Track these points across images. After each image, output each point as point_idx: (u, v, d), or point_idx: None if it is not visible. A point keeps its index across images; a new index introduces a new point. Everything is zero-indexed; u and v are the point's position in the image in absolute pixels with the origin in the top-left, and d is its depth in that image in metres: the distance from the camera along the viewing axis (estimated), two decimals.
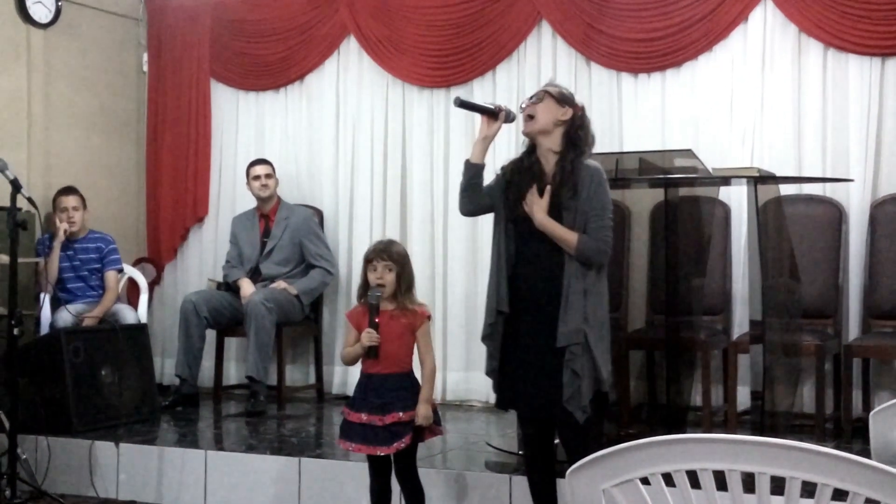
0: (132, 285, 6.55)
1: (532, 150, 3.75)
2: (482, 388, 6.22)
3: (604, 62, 5.96)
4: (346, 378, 6.52)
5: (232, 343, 6.65)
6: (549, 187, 3.62)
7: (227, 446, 5.19)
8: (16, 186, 4.57)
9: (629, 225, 5.49)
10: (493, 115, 3.78)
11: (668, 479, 1.74)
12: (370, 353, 3.74)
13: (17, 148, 6.22)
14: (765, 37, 5.62)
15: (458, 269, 6.31)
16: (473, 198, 3.81)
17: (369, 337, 3.72)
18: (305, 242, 6.35)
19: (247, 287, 6.15)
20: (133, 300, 6.45)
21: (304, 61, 6.75)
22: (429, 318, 3.87)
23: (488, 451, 4.84)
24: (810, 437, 4.78)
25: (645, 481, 1.76)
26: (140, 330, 5.89)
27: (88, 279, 6.17)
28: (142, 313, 6.26)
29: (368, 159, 6.56)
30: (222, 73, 7.00)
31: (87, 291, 6.15)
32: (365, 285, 3.82)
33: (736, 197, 5.48)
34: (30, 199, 4.68)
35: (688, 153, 4.73)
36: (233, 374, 6.74)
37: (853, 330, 5.35)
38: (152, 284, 6.91)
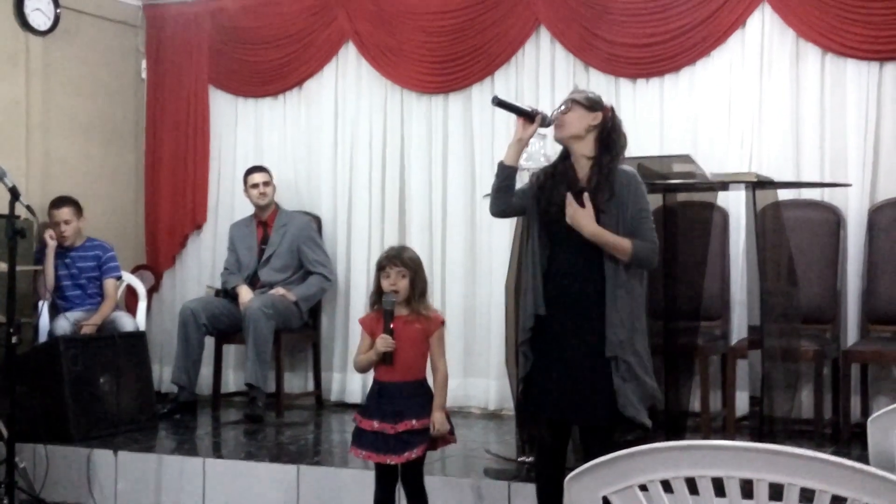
0: (130, 293, 6.54)
1: (566, 156, 3.73)
2: (481, 395, 6.22)
3: (602, 67, 5.97)
4: (344, 385, 6.52)
5: (230, 350, 6.64)
6: (586, 194, 3.58)
7: (226, 454, 5.19)
8: (14, 194, 4.57)
9: None
10: (529, 117, 3.73)
11: (667, 486, 1.74)
12: (385, 360, 3.73)
13: (15, 155, 6.22)
14: (763, 42, 5.63)
15: (456, 276, 6.31)
16: (505, 199, 3.77)
17: (384, 343, 3.71)
18: (304, 249, 6.35)
19: (245, 293, 6.15)
20: (131, 308, 6.44)
21: (302, 68, 6.75)
22: (443, 323, 3.85)
23: (487, 458, 4.83)
24: (809, 443, 4.78)
25: (643, 488, 1.76)
26: (138, 337, 5.89)
27: (87, 287, 6.17)
28: (140, 321, 6.26)
29: (367, 165, 6.56)
30: (221, 79, 7.00)
31: (86, 300, 6.14)
32: (378, 292, 3.80)
33: (734, 202, 5.49)
34: (28, 207, 4.68)
35: (686, 158, 4.72)
36: (231, 381, 6.73)
37: (851, 335, 5.35)
38: (151, 292, 6.90)
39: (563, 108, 3.70)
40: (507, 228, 5.44)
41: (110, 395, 5.51)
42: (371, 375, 3.88)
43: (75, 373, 5.35)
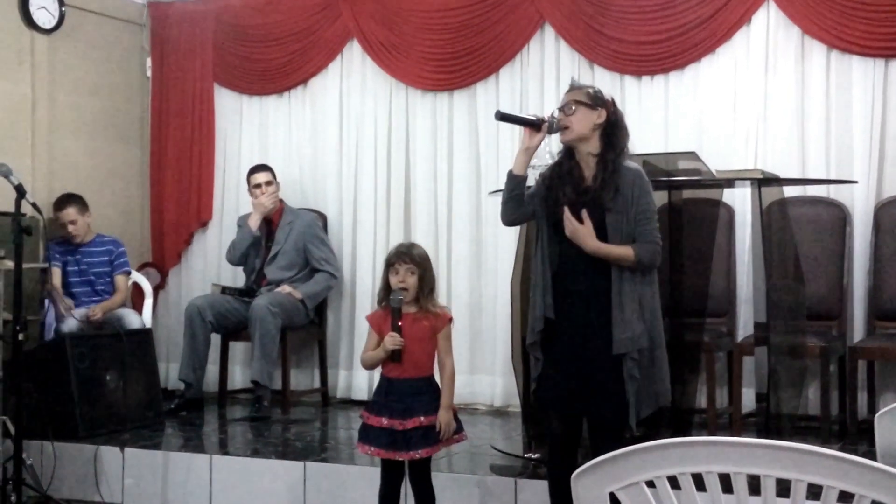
0: (137, 290, 6.55)
1: (571, 154, 3.71)
2: (487, 391, 6.23)
3: (607, 65, 5.96)
4: (350, 382, 6.52)
5: (236, 347, 6.66)
6: (585, 211, 3.57)
7: (232, 451, 5.20)
8: (20, 192, 4.58)
9: None
10: (535, 126, 3.69)
11: (674, 482, 1.74)
12: (394, 357, 3.73)
13: (21, 153, 6.23)
14: (768, 39, 5.62)
15: (462, 273, 6.31)
16: (516, 208, 3.75)
17: (393, 341, 3.71)
18: (309, 247, 6.36)
19: (254, 216, 6.23)
20: (138, 305, 6.46)
21: (307, 65, 6.75)
22: (451, 320, 3.85)
23: (493, 455, 4.83)
24: (815, 439, 4.78)
25: (650, 484, 1.76)
26: (145, 335, 5.90)
27: (94, 284, 6.20)
28: (146, 318, 6.27)
29: (372, 163, 6.56)
30: (226, 77, 7.01)
31: (93, 296, 6.17)
32: (386, 289, 3.80)
33: (740, 199, 5.48)
34: (34, 205, 4.69)
35: (691, 155, 4.72)
36: (237, 378, 6.74)
37: (858, 331, 5.35)
38: (157, 289, 6.92)
39: (564, 109, 3.67)
40: (513, 226, 5.43)
41: (117, 392, 5.52)
42: (378, 372, 3.88)
43: (82, 370, 5.36)
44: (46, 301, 5.98)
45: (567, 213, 3.58)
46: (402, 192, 6.51)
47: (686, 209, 5.02)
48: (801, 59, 5.56)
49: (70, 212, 6.12)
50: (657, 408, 3.65)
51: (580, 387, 3.59)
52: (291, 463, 4.69)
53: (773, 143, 5.58)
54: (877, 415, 2.46)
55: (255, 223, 6.27)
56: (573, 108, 3.64)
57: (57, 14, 6.55)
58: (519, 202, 3.74)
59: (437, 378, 3.86)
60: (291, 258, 6.35)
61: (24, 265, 4.59)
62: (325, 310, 6.58)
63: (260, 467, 4.74)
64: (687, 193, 4.99)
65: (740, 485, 1.70)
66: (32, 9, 6.39)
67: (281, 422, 5.86)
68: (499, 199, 5.83)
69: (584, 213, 3.58)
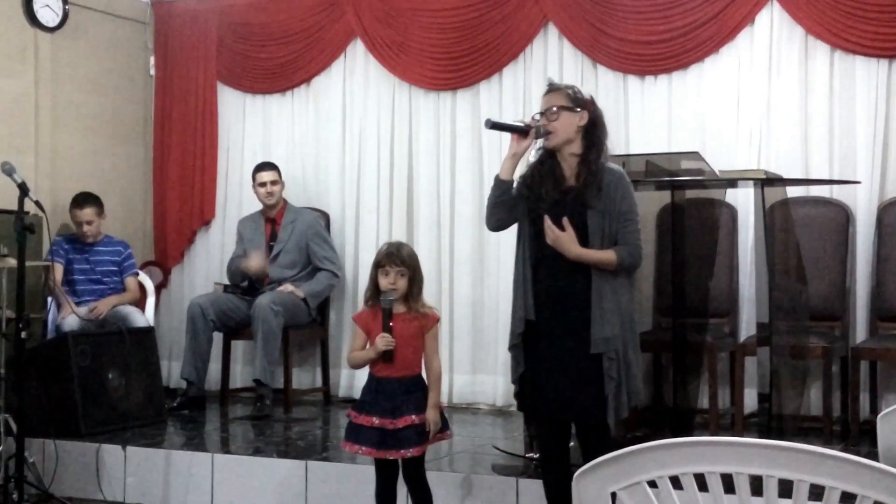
0: (139, 288, 6.55)
1: (551, 153, 3.71)
2: (489, 391, 6.23)
3: (610, 64, 5.96)
4: (352, 381, 6.52)
5: (238, 346, 6.66)
6: (566, 218, 3.58)
7: (234, 449, 5.20)
8: (23, 190, 4.58)
9: None
10: (523, 133, 3.70)
11: (676, 482, 1.74)
12: (385, 358, 3.73)
13: (24, 151, 6.24)
14: (771, 39, 5.61)
15: (464, 272, 6.31)
16: (502, 213, 3.75)
17: (385, 341, 3.71)
18: (312, 246, 6.36)
19: (255, 258, 6.17)
20: (140, 303, 6.46)
21: (310, 64, 6.75)
22: (438, 320, 3.86)
23: (495, 454, 4.83)
24: (818, 440, 4.78)
25: (652, 484, 1.76)
26: (147, 333, 5.90)
27: (100, 283, 6.21)
28: (149, 316, 6.28)
29: (375, 162, 6.56)
30: (229, 76, 7.01)
31: (98, 296, 6.17)
32: (374, 289, 3.80)
33: (743, 199, 5.48)
34: (37, 203, 4.69)
35: (694, 155, 4.72)
36: (239, 377, 6.74)
37: (860, 332, 5.34)
38: (159, 288, 6.92)
39: (546, 114, 3.66)
40: (515, 225, 5.43)
41: (119, 391, 5.53)
42: (365, 371, 3.88)
43: (84, 368, 5.37)
44: (49, 299, 5.99)
45: (547, 221, 3.60)
46: (405, 191, 6.51)
47: (689, 209, 5.02)
48: (805, 59, 5.55)
49: (88, 212, 6.13)
50: (632, 408, 3.67)
51: (561, 387, 3.62)
52: (293, 462, 4.69)
53: (776, 143, 5.57)
54: (879, 415, 2.46)
55: (250, 267, 6.24)
56: (556, 112, 3.65)
57: (60, 12, 6.56)
58: (506, 207, 3.74)
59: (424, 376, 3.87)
60: (294, 257, 6.35)
61: (27, 263, 4.60)
62: (327, 309, 6.58)
63: (262, 466, 4.74)
64: (690, 193, 4.99)
65: (742, 485, 1.69)
66: (36, 7, 6.40)
67: (283, 421, 5.86)
68: None
69: (566, 221, 3.59)
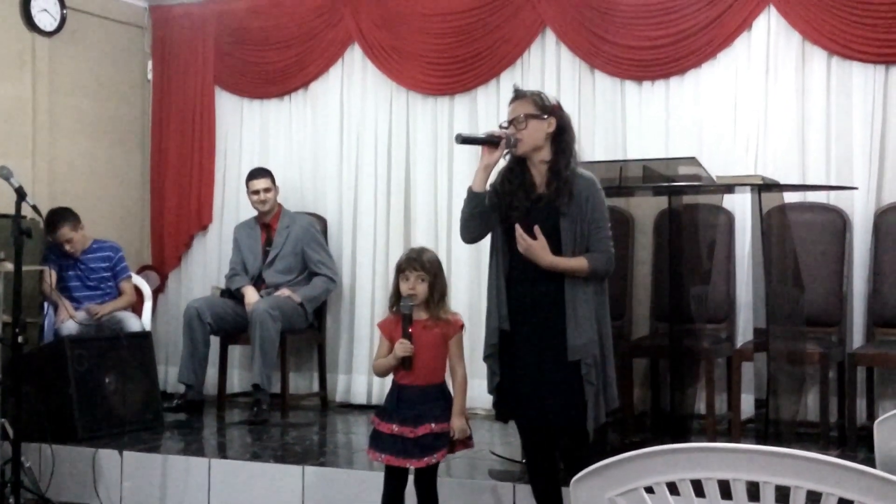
0: (136, 293, 6.55)
1: (520, 160, 3.71)
2: (485, 397, 6.13)
3: (607, 70, 5.96)
4: (349, 386, 6.52)
5: (235, 351, 6.65)
6: (537, 226, 3.59)
7: (231, 454, 5.19)
8: (20, 194, 4.58)
9: (633, 233, 5.49)
10: (494, 144, 3.67)
11: (673, 488, 1.74)
12: (404, 364, 3.71)
13: (21, 156, 6.24)
14: (768, 44, 5.62)
15: (461, 277, 6.30)
16: (477, 225, 3.74)
17: (403, 348, 3.69)
18: (307, 251, 6.36)
19: (251, 295, 6.16)
20: (137, 308, 6.45)
21: (308, 69, 6.76)
22: (462, 327, 3.83)
23: (492, 460, 4.83)
24: (814, 446, 4.78)
25: (649, 490, 1.76)
26: (144, 337, 5.89)
27: (96, 289, 6.20)
28: (146, 321, 6.27)
29: (372, 167, 6.56)
30: (226, 80, 7.01)
31: (94, 301, 6.17)
32: (396, 294, 3.78)
33: (740, 205, 5.48)
34: (34, 207, 4.69)
35: (692, 161, 4.73)
36: (236, 381, 6.74)
37: (857, 338, 5.34)
38: (156, 292, 6.92)
39: (514, 122, 3.65)
40: None
41: (116, 395, 5.52)
42: (377, 378, 3.88)
43: (81, 373, 5.36)
44: (45, 304, 5.98)
45: (519, 230, 3.60)
46: (403, 196, 6.51)
47: (686, 215, 5.02)
48: (802, 64, 5.56)
49: (64, 231, 6.08)
50: (608, 413, 3.68)
51: (537, 396, 3.62)
52: (290, 467, 4.68)
53: (773, 148, 5.58)
54: (876, 421, 2.46)
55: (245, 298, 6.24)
56: (523, 120, 3.65)
57: (58, 17, 6.56)
58: (481, 219, 3.72)
59: (449, 385, 3.84)
60: (289, 262, 6.35)
61: (24, 267, 4.59)
62: (324, 313, 6.58)
63: (258, 471, 4.73)
64: (687, 199, 4.99)
65: (739, 491, 1.69)
66: (34, 11, 6.40)
67: (280, 425, 5.85)
68: None
69: (537, 229, 3.59)
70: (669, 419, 5.02)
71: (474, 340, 6.26)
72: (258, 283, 6.34)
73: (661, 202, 5.07)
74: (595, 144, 5.92)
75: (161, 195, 7.13)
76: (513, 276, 3.70)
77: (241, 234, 6.52)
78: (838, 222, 5.35)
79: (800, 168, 5.52)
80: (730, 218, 5.50)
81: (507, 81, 6.23)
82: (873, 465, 1.83)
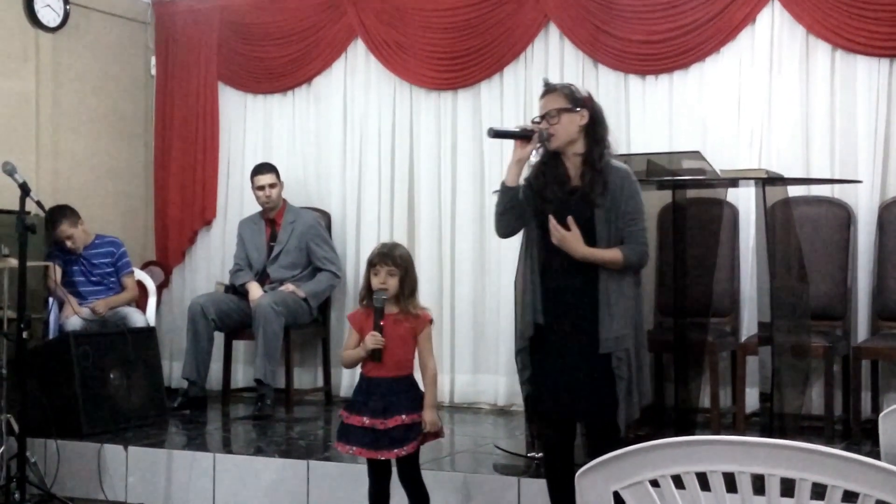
0: (140, 289, 6.56)
1: (554, 153, 3.69)
2: (490, 391, 6.22)
3: (611, 64, 5.96)
4: (354, 381, 6.42)
5: (240, 346, 6.66)
6: (570, 217, 3.57)
7: (236, 449, 5.20)
8: (24, 190, 4.58)
9: None
10: (527, 138, 3.67)
11: (678, 481, 1.74)
12: (374, 356, 3.74)
13: (25, 151, 6.24)
14: (772, 38, 5.61)
15: (465, 272, 6.31)
16: (510, 219, 3.72)
17: (374, 340, 3.72)
18: (312, 246, 6.36)
19: (255, 290, 6.16)
20: (141, 304, 6.46)
21: (311, 64, 6.75)
22: (431, 322, 3.86)
23: (496, 454, 4.83)
24: (819, 439, 4.77)
25: (654, 483, 1.76)
26: (148, 333, 5.90)
27: (99, 283, 6.21)
28: (150, 316, 6.28)
29: (376, 162, 6.56)
30: (230, 76, 7.01)
31: (99, 295, 6.18)
32: (368, 288, 3.81)
33: (744, 198, 5.48)
34: (38, 203, 4.69)
35: (696, 155, 4.72)
36: (241, 377, 6.74)
37: (862, 331, 5.34)
38: (160, 288, 6.92)
39: (546, 117, 3.64)
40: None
41: (121, 391, 5.53)
42: (357, 371, 3.89)
43: (86, 368, 5.37)
44: (51, 299, 5.99)
45: (553, 221, 3.59)
46: (406, 191, 6.51)
47: (690, 208, 5.02)
48: (806, 58, 5.55)
49: (63, 228, 6.09)
50: (642, 408, 3.67)
51: (569, 389, 3.61)
52: (294, 461, 4.69)
53: (777, 142, 5.57)
54: (881, 414, 2.46)
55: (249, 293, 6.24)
56: (556, 115, 3.63)
57: (61, 12, 6.56)
58: (514, 214, 3.71)
59: (418, 378, 3.86)
60: (294, 257, 6.35)
61: (29, 263, 4.59)
62: (328, 309, 6.58)
63: (263, 466, 4.74)
64: (691, 193, 4.99)
65: (744, 484, 1.69)
66: (37, 7, 6.40)
67: (284, 420, 5.86)
68: None
69: (571, 220, 3.58)
70: (674, 413, 5.02)
71: (476, 337, 6.28)
72: (262, 278, 6.34)
73: (665, 196, 5.06)
74: None
75: (165, 191, 7.13)
76: (547, 269, 3.67)
77: (245, 229, 6.52)
78: (842, 216, 5.34)
79: (804, 162, 5.52)
80: (734, 212, 5.49)
81: (511, 76, 6.24)
82: (878, 458, 1.83)
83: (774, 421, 4.64)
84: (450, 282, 6.34)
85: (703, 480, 1.72)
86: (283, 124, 6.90)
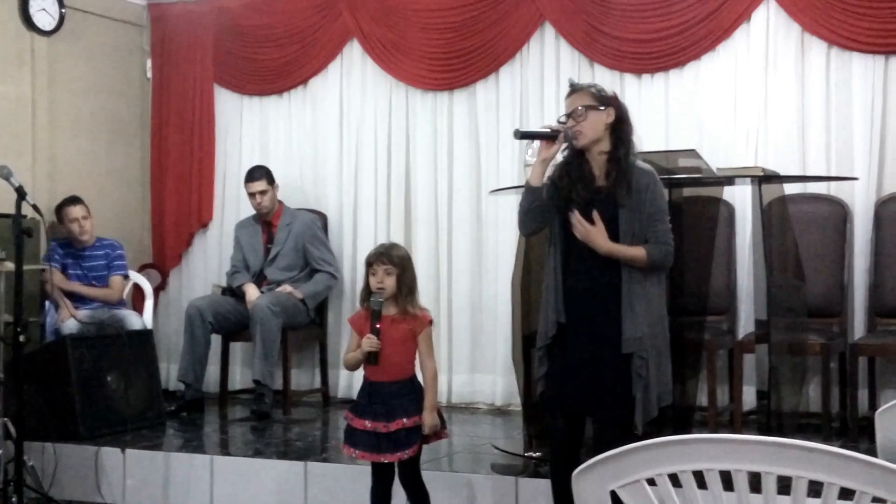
0: (137, 291, 6.56)
1: (578, 151, 3.68)
2: (488, 390, 6.22)
3: (607, 63, 5.96)
4: (351, 382, 6.51)
5: (237, 348, 6.65)
6: (595, 212, 3.58)
7: (233, 451, 5.20)
8: (21, 194, 4.58)
9: None
10: (553, 139, 3.65)
11: (675, 480, 1.74)
12: (370, 359, 3.73)
13: (21, 155, 6.23)
14: (768, 36, 5.62)
15: (462, 272, 6.31)
16: (535, 218, 3.71)
17: (369, 343, 3.71)
18: (309, 247, 6.35)
19: (252, 292, 6.16)
20: (138, 306, 6.46)
21: (307, 66, 6.75)
22: (430, 322, 3.83)
23: (494, 454, 4.83)
24: (816, 437, 4.77)
25: (651, 482, 1.75)
26: (146, 336, 5.89)
27: (96, 286, 6.20)
28: (147, 319, 6.27)
29: (372, 163, 6.56)
30: (226, 78, 7.01)
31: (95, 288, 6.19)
32: (367, 289, 3.80)
33: (740, 196, 5.48)
34: (35, 207, 4.69)
35: (692, 153, 4.72)
36: (238, 378, 6.74)
37: (858, 328, 5.35)
38: (157, 290, 6.91)
39: (573, 115, 3.63)
40: (513, 225, 5.43)
41: (118, 394, 5.52)
42: (361, 373, 3.89)
43: (83, 371, 5.36)
44: (47, 302, 5.98)
45: (577, 215, 3.58)
46: (403, 192, 6.50)
47: (686, 207, 5.01)
48: (802, 56, 5.56)
49: (80, 209, 6.14)
50: (660, 408, 3.66)
51: (587, 386, 3.59)
52: (292, 463, 4.69)
53: (773, 140, 5.58)
54: (877, 412, 2.46)
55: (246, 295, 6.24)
56: (582, 112, 3.62)
57: (57, 16, 6.55)
58: (539, 213, 3.69)
59: (420, 378, 3.85)
60: (291, 259, 6.35)
61: (25, 267, 4.59)
62: (325, 310, 6.58)
63: (261, 467, 4.74)
64: (687, 191, 4.98)
65: (741, 482, 1.69)
66: (32, 11, 6.39)
67: (282, 422, 5.86)
68: (499, 197, 5.85)
69: (595, 215, 3.57)
70: (671, 411, 5.01)
71: (474, 336, 6.28)
72: (259, 280, 6.34)
73: None
74: None
75: (161, 193, 7.13)
76: (570, 267, 3.67)
77: (242, 231, 6.52)
78: (839, 213, 5.35)
79: (800, 159, 5.52)
80: (730, 210, 5.49)
81: (507, 76, 6.24)
82: (875, 455, 1.83)
83: (772, 419, 4.65)
84: (447, 282, 6.34)
85: (701, 479, 1.72)
86: (280, 126, 6.89)
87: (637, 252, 3.56)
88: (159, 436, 5.47)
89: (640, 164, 3.67)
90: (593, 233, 3.57)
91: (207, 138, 7.02)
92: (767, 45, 5.62)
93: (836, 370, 5.16)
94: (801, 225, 5.25)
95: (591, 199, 3.63)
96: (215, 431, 5.83)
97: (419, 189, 6.45)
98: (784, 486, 1.66)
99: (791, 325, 4.90)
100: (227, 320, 6.22)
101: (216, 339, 6.31)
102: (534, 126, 4.25)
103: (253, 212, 6.51)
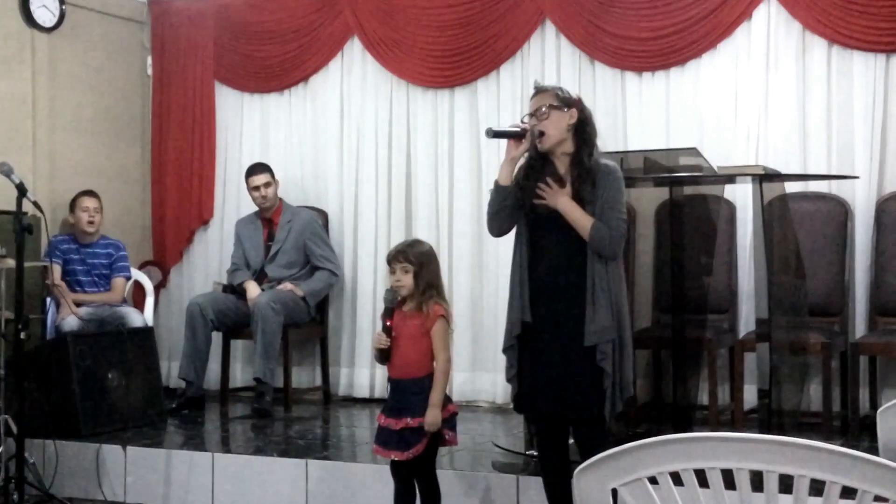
0: (138, 289, 6.56)
1: (542, 153, 3.72)
2: (488, 389, 6.22)
3: (608, 61, 5.96)
4: (352, 380, 6.52)
5: (238, 345, 6.65)
6: (569, 182, 3.64)
7: (234, 448, 5.20)
8: (21, 190, 4.58)
9: (634, 224, 5.48)
10: (520, 137, 3.71)
11: (677, 478, 1.74)
12: (379, 357, 3.75)
13: (22, 152, 6.23)
14: (769, 34, 5.61)
15: (463, 270, 6.31)
16: (504, 218, 3.75)
17: (378, 340, 3.74)
18: (309, 245, 6.35)
19: (252, 289, 6.16)
20: (139, 303, 6.46)
21: (308, 63, 6.75)
22: (441, 316, 3.78)
23: (495, 452, 4.83)
24: (818, 435, 4.77)
25: (653, 480, 1.75)
26: (146, 333, 5.89)
27: (98, 283, 6.23)
28: (148, 316, 6.27)
29: (373, 160, 6.56)
30: (226, 75, 7.01)
31: (98, 293, 6.19)
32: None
33: (741, 195, 5.48)
34: (35, 203, 4.68)
35: (693, 151, 4.72)
36: (239, 376, 6.74)
37: (860, 327, 5.34)
38: (158, 288, 6.91)
39: (536, 114, 3.67)
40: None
41: (119, 391, 5.52)
42: (380, 372, 3.92)
43: (84, 368, 5.36)
44: (48, 299, 5.98)
45: (550, 181, 3.63)
46: (403, 189, 6.50)
47: (687, 205, 5.02)
48: (802, 54, 5.55)
49: (93, 201, 6.21)
50: (624, 400, 3.69)
51: (556, 388, 3.64)
52: (293, 461, 4.69)
53: (774, 138, 5.57)
54: (879, 410, 2.46)
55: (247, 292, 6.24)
56: (546, 111, 3.66)
57: (57, 12, 6.55)
58: (507, 213, 3.74)
59: None
60: (292, 256, 6.35)
61: (26, 264, 4.59)
62: (326, 307, 6.58)
63: (262, 465, 4.74)
64: (688, 189, 4.99)
65: (743, 481, 1.69)
66: (33, 7, 6.39)
67: (283, 419, 5.86)
68: None
69: (568, 182, 3.65)
70: (672, 410, 5.02)
71: (475, 334, 6.28)
72: (260, 277, 6.34)
73: (663, 193, 5.07)
74: None
75: (162, 190, 7.13)
76: (535, 267, 3.70)
77: (243, 228, 6.52)
78: (840, 211, 5.34)
79: (801, 158, 5.52)
80: (731, 208, 5.49)
81: (508, 73, 6.24)
82: (877, 454, 1.83)
83: (773, 417, 4.65)
84: (447, 279, 6.31)
85: (702, 477, 1.72)
86: (280, 123, 6.89)
87: (586, 220, 3.60)
88: (160, 433, 5.47)
89: (605, 161, 3.72)
90: (557, 193, 3.63)
91: (208, 135, 7.02)
92: (768, 43, 5.61)
93: (837, 369, 5.15)
94: (802, 223, 5.25)
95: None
96: (216, 429, 5.83)
97: (420, 186, 6.44)
98: (786, 484, 1.66)
99: (792, 323, 4.90)
100: (228, 318, 6.22)
101: (217, 337, 6.31)
102: (505, 126, 4.27)
103: (254, 209, 6.52)
